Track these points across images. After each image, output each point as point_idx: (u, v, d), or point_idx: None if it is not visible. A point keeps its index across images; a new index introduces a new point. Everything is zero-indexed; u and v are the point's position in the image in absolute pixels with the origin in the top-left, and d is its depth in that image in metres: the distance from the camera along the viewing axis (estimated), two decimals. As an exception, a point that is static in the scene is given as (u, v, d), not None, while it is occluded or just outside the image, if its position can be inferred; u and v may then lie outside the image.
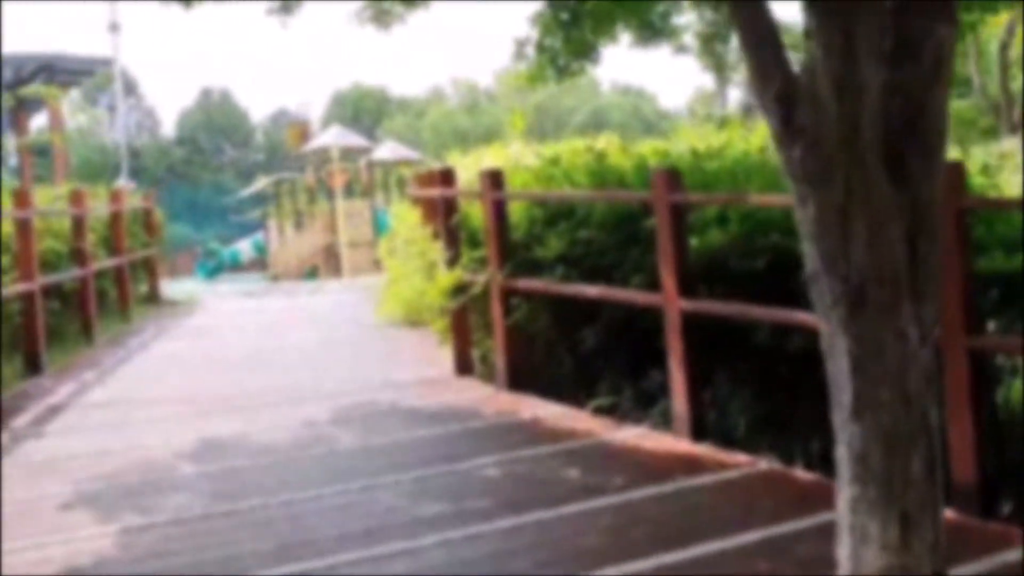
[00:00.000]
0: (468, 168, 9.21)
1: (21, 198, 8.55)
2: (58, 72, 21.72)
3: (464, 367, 7.45)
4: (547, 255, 6.64)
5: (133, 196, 15.15)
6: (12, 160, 20.92)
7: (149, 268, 13.58)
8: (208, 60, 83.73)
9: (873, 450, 2.56)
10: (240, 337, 10.12)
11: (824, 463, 4.78)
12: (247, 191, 32.42)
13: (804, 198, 2.62)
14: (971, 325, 4.10)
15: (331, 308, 12.39)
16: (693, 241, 5.54)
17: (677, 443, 5.33)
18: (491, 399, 6.65)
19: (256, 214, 29.93)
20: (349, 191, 25.69)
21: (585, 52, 7.89)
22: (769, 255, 5.28)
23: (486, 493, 4.74)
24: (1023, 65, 18.95)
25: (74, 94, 39.99)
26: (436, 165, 10.99)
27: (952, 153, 7.15)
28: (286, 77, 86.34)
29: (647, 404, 5.91)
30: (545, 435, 5.67)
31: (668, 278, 5.41)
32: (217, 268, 28.68)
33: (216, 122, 50.81)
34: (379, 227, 22.36)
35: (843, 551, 2.59)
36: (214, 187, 45.68)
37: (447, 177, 7.69)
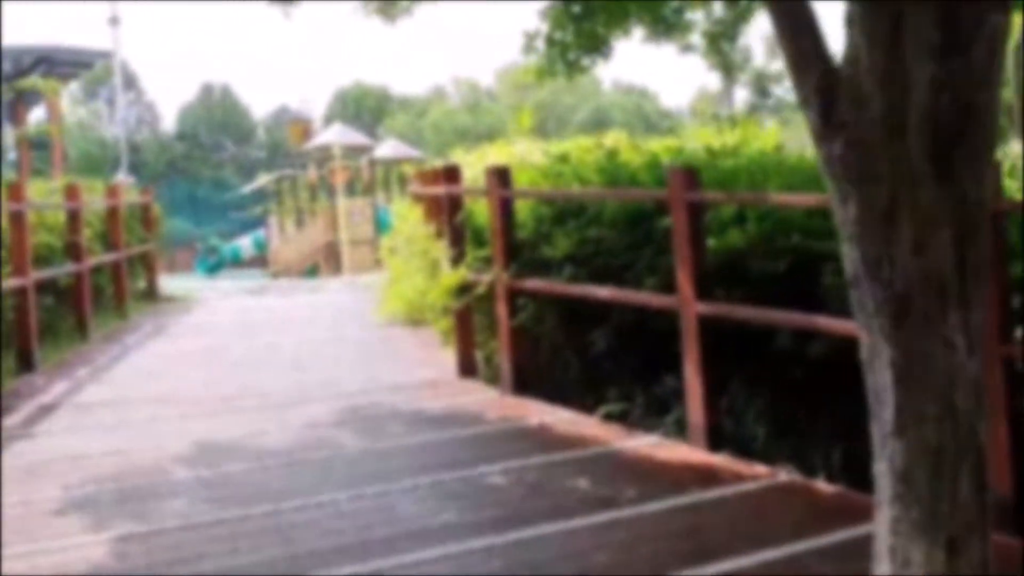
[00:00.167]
0: (472, 166, 9.07)
1: (14, 191, 8.36)
2: (57, 64, 21.57)
3: (467, 369, 7.28)
4: (555, 254, 6.48)
5: (131, 191, 14.99)
6: (11, 154, 20.74)
7: (147, 264, 13.40)
8: (209, 58, 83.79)
9: (917, 468, 2.40)
10: (240, 335, 9.94)
11: (846, 474, 4.62)
12: (249, 187, 32.41)
13: (845, 197, 2.44)
14: (1005, 333, 3.93)
15: (332, 306, 12.23)
16: (710, 242, 5.36)
17: (692, 453, 5.14)
18: (496, 403, 6.49)
19: (257, 211, 29.90)
20: (350, 189, 25.64)
21: (596, 46, 7.73)
22: (790, 257, 5.10)
23: (497, 503, 4.56)
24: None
25: (73, 87, 39.90)
26: (438, 163, 10.82)
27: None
28: (287, 75, 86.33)
29: (660, 411, 5.74)
30: (554, 442, 5.49)
31: (684, 280, 5.22)
32: (217, 264, 28.64)
33: (217, 118, 50.70)
34: (380, 225, 22.29)
35: (882, 574, 2.42)
36: (214, 183, 45.63)
37: (452, 174, 7.54)
